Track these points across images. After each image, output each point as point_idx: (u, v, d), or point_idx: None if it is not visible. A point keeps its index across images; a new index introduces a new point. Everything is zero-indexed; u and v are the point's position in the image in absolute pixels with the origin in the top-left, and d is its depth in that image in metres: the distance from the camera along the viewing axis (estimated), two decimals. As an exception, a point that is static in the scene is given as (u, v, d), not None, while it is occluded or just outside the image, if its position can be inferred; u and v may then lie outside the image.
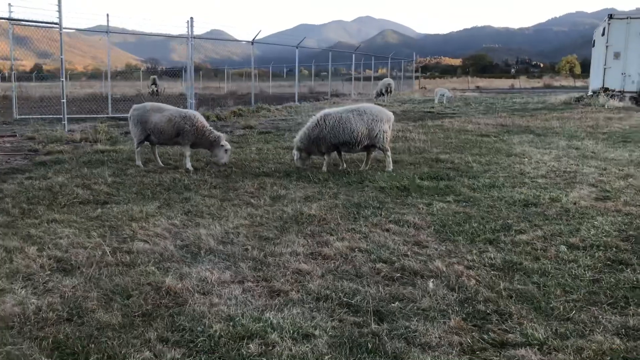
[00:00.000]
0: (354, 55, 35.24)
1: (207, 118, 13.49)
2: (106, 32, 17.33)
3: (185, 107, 14.56)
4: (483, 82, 70.01)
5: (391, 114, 9.25)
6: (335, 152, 9.12)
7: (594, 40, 29.25)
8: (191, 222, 6.06)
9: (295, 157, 9.06)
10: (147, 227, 5.82)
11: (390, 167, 8.97)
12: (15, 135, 13.18)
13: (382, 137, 8.85)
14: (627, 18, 24.61)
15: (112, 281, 4.33)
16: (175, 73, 48.31)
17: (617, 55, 24.42)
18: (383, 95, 27.58)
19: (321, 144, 8.84)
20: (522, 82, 68.71)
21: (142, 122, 8.98)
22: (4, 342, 3.37)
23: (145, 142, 9.31)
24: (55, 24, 13.30)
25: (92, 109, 19.53)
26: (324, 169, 8.94)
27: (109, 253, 4.97)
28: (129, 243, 5.29)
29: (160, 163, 9.41)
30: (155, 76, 34.38)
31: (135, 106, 9.23)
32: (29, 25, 14.38)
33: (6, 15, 14.67)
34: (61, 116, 14.16)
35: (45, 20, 13.42)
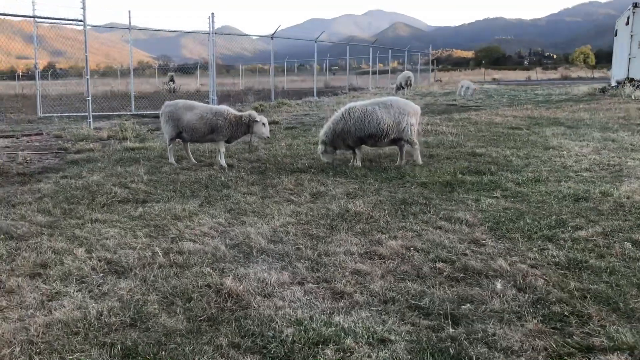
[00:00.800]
0: (371, 48, 34.97)
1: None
2: (128, 28, 17.24)
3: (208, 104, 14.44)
4: (499, 74, 69.41)
5: (418, 107, 9.08)
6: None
7: (616, 30, 28.76)
8: (236, 221, 5.93)
9: (320, 152, 8.90)
10: (193, 226, 5.70)
11: (420, 161, 8.80)
12: (42, 134, 13.14)
13: (409, 130, 8.68)
14: (652, 6, 24.15)
15: (169, 283, 4.21)
16: (187, 70, 48.40)
17: (642, 45, 23.97)
18: (403, 88, 27.32)
19: (347, 138, 8.69)
20: (538, 73, 67.94)
21: (174, 119, 8.87)
22: (73, 348, 3.25)
23: (177, 140, 9.21)
24: (80, 21, 13.21)
25: (113, 106, 19.50)
26: (358, 163, 8.79)
27: (160, 254, 4.85)
28: (178, 243, 5.17)
29: (194, 160, 9.30)
30: (172, 73, 34.37)
31: (167, 103, 9.12)
32: (53, 23, 14.28)
33: (29, 13, 14.53)
34: (85, 114, 14.12)
35: (69, 18, 13.34)
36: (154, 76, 48.43)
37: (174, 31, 20.63)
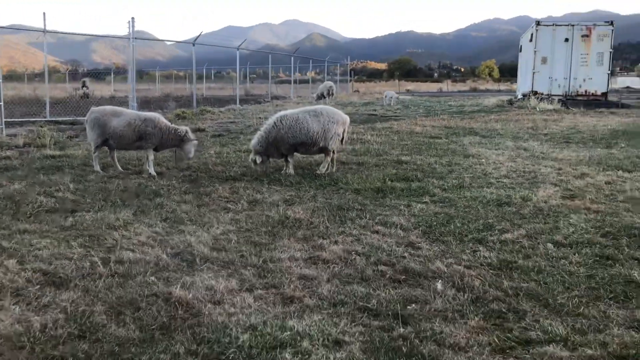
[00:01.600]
0: (292, 58, 35.23)
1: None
2: (42, 31, 16.41)
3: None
4: (412, 86, 71.74)
5: (347, 116, 9.31)
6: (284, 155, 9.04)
7: (521, 46, 30.67)
8: (174, 229, 5.84)
9: (252, 160, 8.90)
10: (130, 236, 5.56)
11: (324, 170, 8.93)
12: (-53, 141, 12.23)
13: (335, 139, 8.88)
14: (553, 25, 26.02)
15: (114, 293, 4.11)
16: (99, 75, 46.69)
17: (544, 60, 25.73)
18: (324, 97, 27.72)
19: (280, 146, 8.77)
20: (449, 85, 70.97)
21: (100, 125, 8.57)
22: (21, 364, 3.12)
23: (103, 147, 8.92)
24: (-9, 21, 12.47)
25: (24, 112, 18.47)
26: (291, 171, 8.87)
27: (99, 264, 4.70)
28: (116, 252, 5.03)
29: (120, 168, 9.03)
30: (86, 78, 33.04)
31: (92, 109, 8.81)
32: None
33: None
34: (-5, 120, 13.29)
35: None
36: (64, 81, 46.35)
37: (91, 35, 19.89)
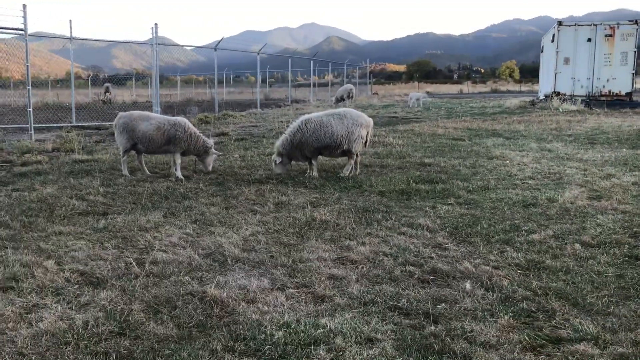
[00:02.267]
0: (311, 61, 35.42)
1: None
2: (69, 38, 16.76)
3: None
4: (431, 88, 71.49)
5: (370, 119, 9.36)
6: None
7: (543, 46, 30.42)
8: (204, 231, 5.97)
9: (275, 163, 9.02)
10: (161, 237, 5.70)
11: (347, 172, 9.02)
12: (-21, 146, 12.58)
13: (359, 142, 8.95)
14: (575, 25, 25.76)
15: (150, 292, 4.23)
16: (119, 80, 47.34)
17: (566, 61, 25.49)
18: (344, 100, 27.80)
19: (304, 149, 8.88)
20: (469, 87, 70.56)
21: (128, 130, 8.76)
22: (66, 358, 3.25)
23: (131, 151, 9.11)
24: (21, 30, 12.80)
25: (50, 118, 18.86)
26: (315, 174, 8.96)
27: (134, 264, 4.84)
28: (149, 253, 5.17)
29: (148, 172, 9.21)
30: (109, 84, 33.57)
31: (121, 114, 9.00)
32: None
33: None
34: (24, 125, 13.63)
35: (9, 27, 12.88)
36: (85, 87, 47.07)
37: (113, 41, 20.21)
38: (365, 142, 9.31)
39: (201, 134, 9.04)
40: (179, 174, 8.82)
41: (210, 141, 9.04)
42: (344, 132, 8.81)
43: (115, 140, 9.23)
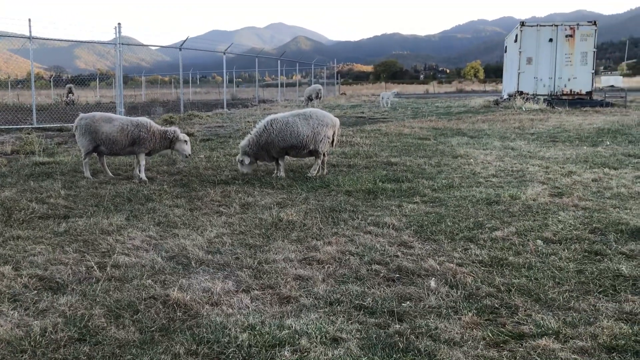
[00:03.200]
0: (279, 61, 35.30)
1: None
2: (28, 38, 16.32)
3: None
4: (398, 88, 72.01)
5: (337, 119, 9.37)
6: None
7: (506, 46, 30.97)
8: (167, 233, 5.88)
9: (240, 164, 8.95)
10: (124, 240, 5.60)
11: (314, 172, 9.02)
12: None
13: (325, 142, 8.95)
14: (537, 25, 26.31)
15: (111, 297, 4.14)
16: (83, 81, 46.47)
17: (529, 61, 26.03)
18: (312, 100, 27.81)
19: (271, 149, 8.84)
20: (435, 87, 71.33)
21: (91, 132, 8.58)
22: (23, 367, 3.15)
23: (93, 153, 8.92)
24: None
25: (9, 119, 18.38)
26: (282, 174, 8.92)
27: (95, 268, 4.73)
28: (111, 257, 5.07)
29: (110, 174, 9.03)
30: (71, 85, 32.91)
31: (82, 115, 8.81)
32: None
33: None
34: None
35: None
36: (48, 88, 46.09)
37: (76, 41, 19.79)
38: (332, 142, 9.31)
39: (166, 128, 8.92)
40: (142, 175, 8.67)
41: (172, 129, 8.88)
42: (310, 133, 8.80)
43: (77, 142, 9.01)
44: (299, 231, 5.88)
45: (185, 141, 8.86)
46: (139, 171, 8.70)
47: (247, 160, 8.85)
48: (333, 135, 9.18)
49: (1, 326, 3.65)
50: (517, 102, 24.03)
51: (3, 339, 3.46)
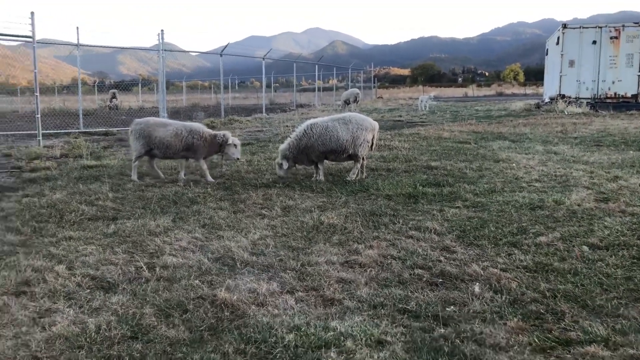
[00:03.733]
0: (316, 66, 35.50)
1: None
2: (76, 45, 16.87)
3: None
4: (436, 91, 71.43)
5: (376, 123, 9.38)
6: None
7: (547, 49, 30.40)
8: (213, 235, 6.01)
9: (279, 167, 9.05)
10: (171, 242, 5.75)
11: (354, 176, 9.05)
12: (-12, 153, 12.69)
13: (364, 146, 8.98)
14: (580, 27, 25.76)
15: (161, 296, 4.27)
16: (126, 86, 47.58)
17: (571, 63, 25.48)
18: (349, 104, 27.86)
19: (310, 153, 8.92)
20: (474, 90, 70.49)
21: (144, 136, 8.87)
22: (80, 362, 3.29)
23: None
24: (28, 37, 12.90)
25: (58, 124, 18.98)
26: (322, 178, 8.99)
27: (145, 269, 4.88)
28: (159, 258, 5.22)
29: (162, 175, 9.35)
30: (115, 90, 33.79)
31: (137, 120, 9.12)
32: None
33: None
34: (32, 132, 13.73)
35: (17, 34, 12.99)
36: (91, 93, 47.35)
37: (120, 47, 20.36)
38: (371, 146, 9.33)
39: (216, 132, 9.16)
40: (208, 178, 9.02)
41: (222, 133, 9.11)
42: (350, 137, 8.85)
43: (130, 145, 9.30)
44: (340, 234, 5.94)
45: (235, 145, 9.07)
46: (205, 175, 9.08)
47: (285, 164, 8.95)
48: (372, 139, 9.21)
49: (59, 323, 3.82)
50: (559, 106, 23.57)
51: (61, 335, 3.61)
